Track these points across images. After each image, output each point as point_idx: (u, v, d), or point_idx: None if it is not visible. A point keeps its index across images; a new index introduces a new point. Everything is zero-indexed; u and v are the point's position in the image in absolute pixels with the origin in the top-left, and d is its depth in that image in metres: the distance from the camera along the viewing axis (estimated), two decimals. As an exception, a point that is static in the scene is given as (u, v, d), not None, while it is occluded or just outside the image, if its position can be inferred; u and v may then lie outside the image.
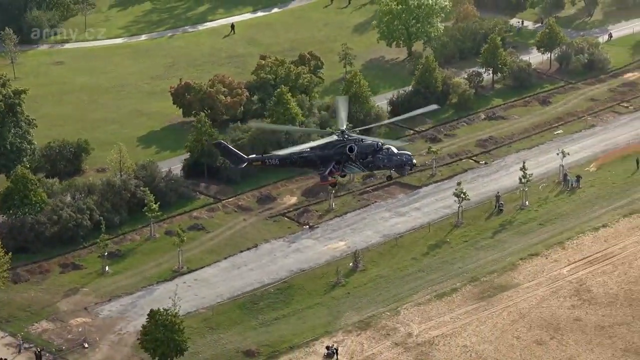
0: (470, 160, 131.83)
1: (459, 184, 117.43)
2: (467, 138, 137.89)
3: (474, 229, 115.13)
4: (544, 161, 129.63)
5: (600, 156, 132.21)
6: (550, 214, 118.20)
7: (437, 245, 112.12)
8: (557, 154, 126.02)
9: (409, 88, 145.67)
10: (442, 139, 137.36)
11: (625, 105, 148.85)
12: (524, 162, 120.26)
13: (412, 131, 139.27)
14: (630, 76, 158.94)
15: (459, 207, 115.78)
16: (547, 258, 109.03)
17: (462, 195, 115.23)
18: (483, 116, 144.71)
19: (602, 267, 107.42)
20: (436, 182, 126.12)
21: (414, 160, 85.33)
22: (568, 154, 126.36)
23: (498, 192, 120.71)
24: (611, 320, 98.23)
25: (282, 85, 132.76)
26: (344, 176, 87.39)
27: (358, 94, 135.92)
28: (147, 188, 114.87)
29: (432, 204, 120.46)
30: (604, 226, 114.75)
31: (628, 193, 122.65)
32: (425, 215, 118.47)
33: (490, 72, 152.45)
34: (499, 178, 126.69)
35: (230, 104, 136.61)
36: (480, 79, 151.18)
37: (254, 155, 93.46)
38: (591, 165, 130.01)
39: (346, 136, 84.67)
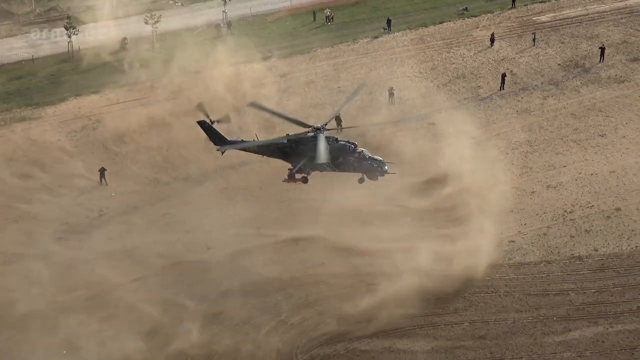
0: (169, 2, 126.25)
1: (68, 17, 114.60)
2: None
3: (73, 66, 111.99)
4: (231, 8, 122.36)
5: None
6: (166, 59, 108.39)
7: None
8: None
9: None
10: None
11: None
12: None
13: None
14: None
15: (68, 42, 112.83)
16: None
17: (72, 29, 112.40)
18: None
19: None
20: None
21: (386, 167, 77.85)
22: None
23: (124, 37, 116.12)
24: None
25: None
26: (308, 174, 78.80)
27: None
28: None
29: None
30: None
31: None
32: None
33: None
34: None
35: None
36: None
37: (235, 138, 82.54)
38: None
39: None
